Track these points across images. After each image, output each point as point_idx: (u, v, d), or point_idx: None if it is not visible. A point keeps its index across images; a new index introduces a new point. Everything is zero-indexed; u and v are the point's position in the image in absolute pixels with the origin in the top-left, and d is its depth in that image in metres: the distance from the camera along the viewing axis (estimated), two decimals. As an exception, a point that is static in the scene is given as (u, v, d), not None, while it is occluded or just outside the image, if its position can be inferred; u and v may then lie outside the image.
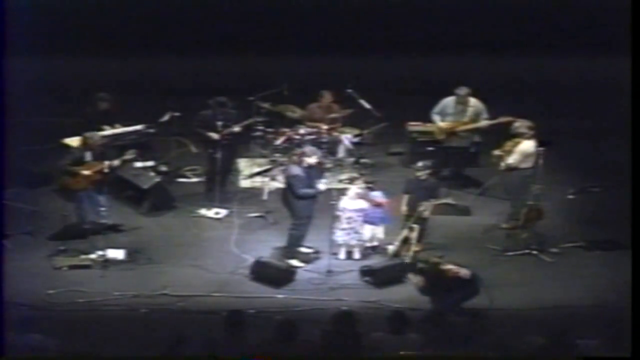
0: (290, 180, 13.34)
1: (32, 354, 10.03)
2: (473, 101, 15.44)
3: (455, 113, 15.49)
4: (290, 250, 13.49)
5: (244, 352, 9.84)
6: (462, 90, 15.39)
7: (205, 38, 19.11)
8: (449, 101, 15.52)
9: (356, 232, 13.64)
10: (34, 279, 12.78)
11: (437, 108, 15.58)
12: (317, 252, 13.63)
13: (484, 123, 15.40)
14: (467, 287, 12.07)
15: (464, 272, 12.04)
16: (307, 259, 13.53)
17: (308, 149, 13.67)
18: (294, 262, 13.42)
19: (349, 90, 16.36)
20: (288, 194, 13.38)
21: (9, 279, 10.59)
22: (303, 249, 13.58)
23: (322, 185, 13.30)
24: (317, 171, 13.41)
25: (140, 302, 12.42)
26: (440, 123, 15.55)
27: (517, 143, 14.16)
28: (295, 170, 13.31)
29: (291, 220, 13.51)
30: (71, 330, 11.26)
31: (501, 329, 11.38)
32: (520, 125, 14.24)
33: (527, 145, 14.11)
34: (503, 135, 14.45)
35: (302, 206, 13.31)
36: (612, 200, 14.52)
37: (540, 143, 14.10)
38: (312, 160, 13.27)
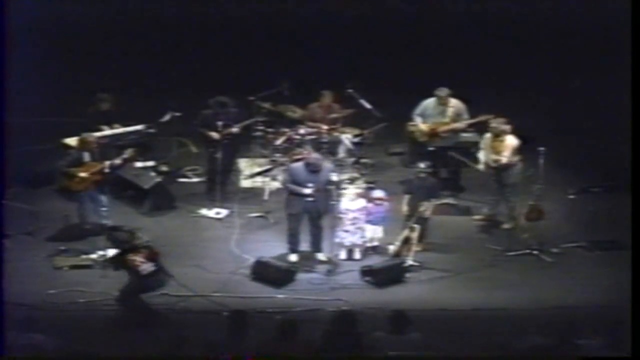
0: (287, 172, 13.63)
1: (32, 353, 10.04)
2: (453, 101, 15.39)
3: (436, 114, 15.45)
4: (289, 244, 13.59)
5: (244, 352, 9.85)
6: (443, 91, 15.36)
7: (206, 37, 19.11)
8: (429, 102, 15.47)
9: (362, 231, 13.65)
10: (34, 279, 12.78)
11: (418, 109, 15.52)
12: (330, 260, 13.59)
13: (464, 123, 15.39)
14: (143, 282, 11.79)
15: (145, 267, 11.72)
16: (311, 258, 13.57)
17: (313, 156, 13.67)
18: (293, 257, 13.48)
19: (349, 90, 16.35)
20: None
21: (9, 279, 10.57)
22: (304, 249, 13.62)
23: (308, 190, 13.18)
24: (316, 175, 13.31)
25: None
26: (421, 125, 15.51)
27: (503, 140, 14.23)
28: (296, 165, 13.55)
29: None
30: (71, 330, 11.24)
31: (501, 329, 11.39)
32: (500, 123, 14.32)
33: (513, 140, 14.24)
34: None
35: (289, 201, 13.42)
36: (612, 200, 14.51)
37: (521, 138, 14.25)
38: (314, 168, 13.30)
